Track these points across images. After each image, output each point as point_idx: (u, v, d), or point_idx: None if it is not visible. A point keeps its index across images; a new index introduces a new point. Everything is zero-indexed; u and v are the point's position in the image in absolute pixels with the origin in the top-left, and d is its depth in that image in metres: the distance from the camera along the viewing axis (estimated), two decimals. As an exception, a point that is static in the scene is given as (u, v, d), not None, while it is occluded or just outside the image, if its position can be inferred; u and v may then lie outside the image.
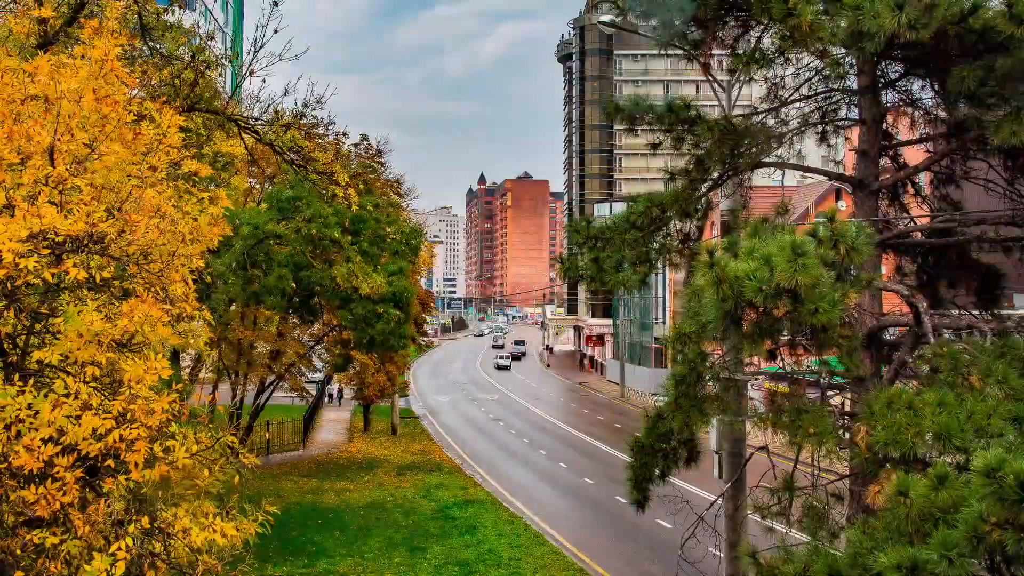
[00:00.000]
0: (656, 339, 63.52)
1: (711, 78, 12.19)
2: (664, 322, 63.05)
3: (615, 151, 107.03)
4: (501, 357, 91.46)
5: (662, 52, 11.97)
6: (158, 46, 13.92)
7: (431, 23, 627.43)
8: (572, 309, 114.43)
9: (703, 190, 11.23)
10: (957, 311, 10.60)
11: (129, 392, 6.88)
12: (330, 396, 55.45)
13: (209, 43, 15.25)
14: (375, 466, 36.89)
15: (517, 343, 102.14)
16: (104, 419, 6.60)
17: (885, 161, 11.17)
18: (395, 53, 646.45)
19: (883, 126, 10.52)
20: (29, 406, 6.46)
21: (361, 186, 17.22)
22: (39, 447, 6.42)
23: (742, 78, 11.64)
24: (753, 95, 14.68)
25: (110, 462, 6.77)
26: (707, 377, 9.24)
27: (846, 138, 11.86)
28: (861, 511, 8.24)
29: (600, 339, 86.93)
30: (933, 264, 11.19)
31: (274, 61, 12.30)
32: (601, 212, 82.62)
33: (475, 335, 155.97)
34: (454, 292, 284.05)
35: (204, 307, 8.93)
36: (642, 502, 10.96)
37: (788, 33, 9.34)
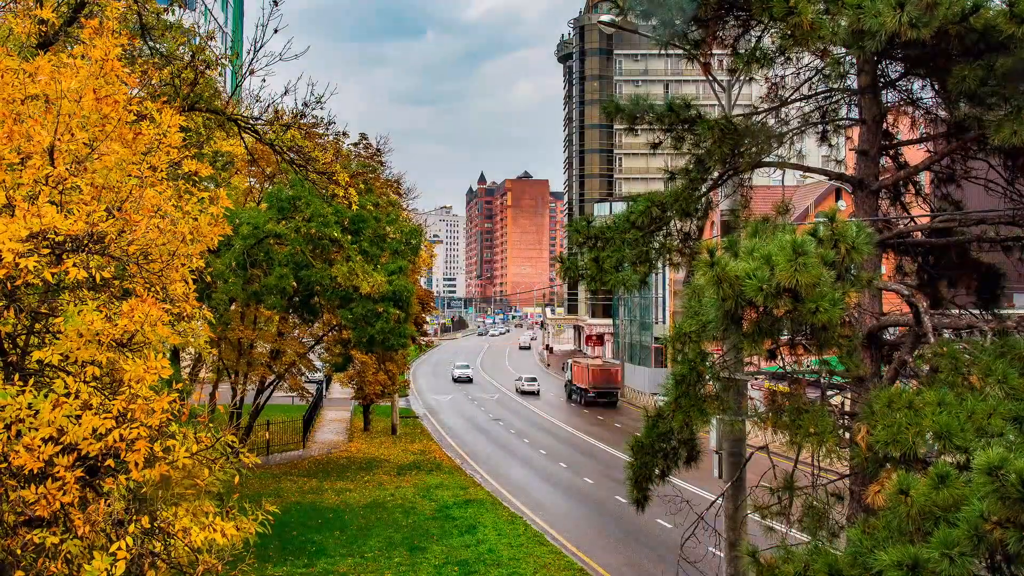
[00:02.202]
0: (656, 339, 63.54)
1: (711, 78, 12.19)
2: (664, 322, 63.07)
3: (615, 151, 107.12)
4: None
5: (662, 52, 12.00)
6: (158, 46, 13.91)
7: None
8: (572, 309, 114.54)
9: (703, 190, 11.22)
10: (957, 311, 10.60)
11: (129, 392, 6.87)
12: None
13: (209, 43, 15.24)
14: (375, 466, 36.89)
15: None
16: (104, 419, 6.60)
17: (886, 161, 11.17)
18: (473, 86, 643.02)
19: (883, 126, 10.52)
20: (29, 406, 6.46)
21: (361, 186, 17.19)
22: (39, 447, 6.42)
23: (742, 78, 11.64)
24: (753, 95, 14.69)
25: (110, 462, 6.77)
26: (707, 377, 9.22)
27: (847, 138, 11.86)
28: (861, 511, 8.24)
29: (600, 339, 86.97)
30: (933, 264, 11.18)
31: (274, 61, 12.33)
32: (601, 212, 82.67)
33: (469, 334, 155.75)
34: (454, 292, 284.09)
35: (204, 306, 8.94)
36: (642, 501, 10.95)
37: (789, 32, 9.33)
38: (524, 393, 65.33)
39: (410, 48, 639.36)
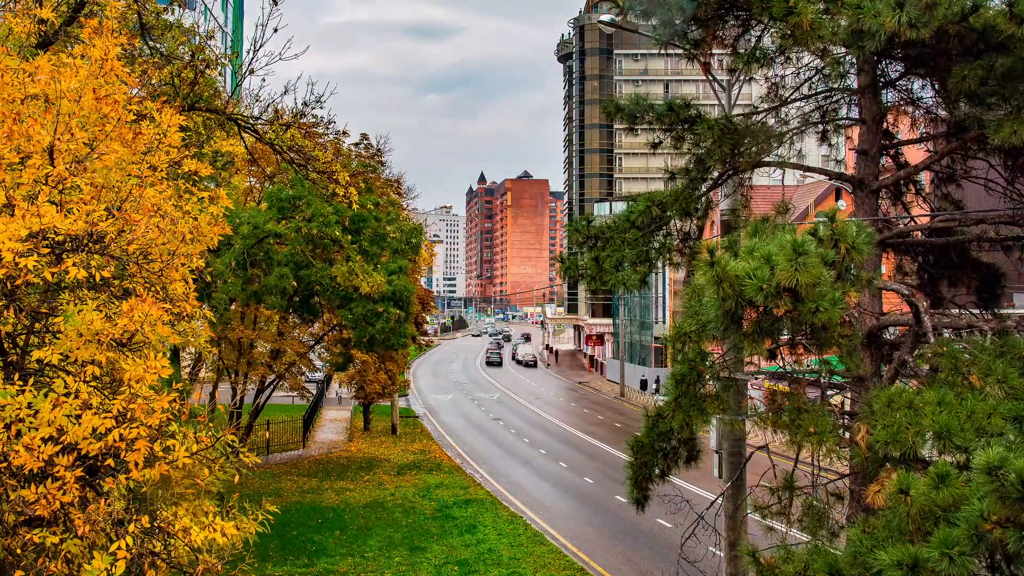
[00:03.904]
0: (656, 339, 63.53)
1: (711, 77, 12.19)
2: (664, 321, 63.06)
3: (615, 150, 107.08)
4: None
5: (662, 51, 12.00)
6: (158, 45, 13.92)
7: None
8: (572, 308, 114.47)
9: (703, 189, 11.22)
10: (957, 310, 10.60)
11: (129, 391, 6.88)
12: (340, 397, 56.37)
13: (209, 42, 15.24)
14: (375, 465, 36.90)
15: None
16: (104, 418, 6.60)
17: (886, 160, 11.16)
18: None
19: (883, 125, 10.52)
20: (29, 405, 6.47)
21: (362, 185, 17.20)
22: (39, 446, 6.42)
23: (742, 77, 11.64)
24: (753, 94, 14.69)
25: (110, 461, 6.77)
26: (707, 376, 9.22)
27: (847, 137, 11.86)
28: (861, 510, 8.24)
29: (600, 338, 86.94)
30: (933, 263, 11.19)
31: (273, 60, 12.32)
32: (601, 211, 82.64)
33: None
34: (454, 292, 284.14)
35: (204, 306, 8.93)
36: (642, 501, 10.94)
37: (789, 32, 9.33)
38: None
39: (524, 98, 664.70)
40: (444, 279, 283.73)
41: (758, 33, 10.95)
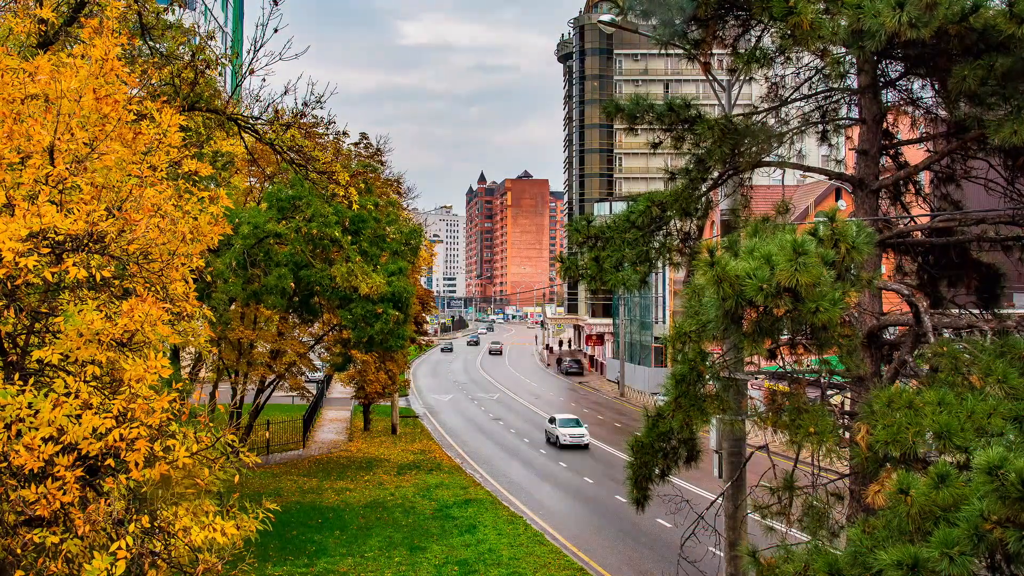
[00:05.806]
0: (656, 338, 63.54)
1: (711, 77, 12.20)
2: (664, 321, 63.08)
3: (615, 150, 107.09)
4: None
5: (662, 52, 11.99)
6: (158, 45, 13.92)
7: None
8: (572, 308, 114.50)
9: (703, 189, 11.23)
10: (957, 310, 10.62)
11: (129, 391, 6.88)
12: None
13: (209, 42, 15.24)
14: (375, 465, 36.90)
15: None
16: (104, 418, 6.60)
17: (886, 160, 11.17)
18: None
19: (883, 125, 10.52)
20: (29, 405, 6.47)
21: (362, 185, 17.19)
22: (39, 446, 6.42)
23: (742, 77, 11.64)
24: (753, 94, 14.70)
25: (110, 461, 6.77)
26: (707, 376, 9.21)
27: (847, 137, 11.87)
28: (861, 510, 8.24)
29: (600, 338, 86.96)
30: (933, 263, 11.19)
31: (274, 60, 12.32)
32: (601, 211, 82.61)
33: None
34: (454, 292, 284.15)
35: (204, 306, 8.93)
36: (642, 501, 10.95)
37: (789, 32, 9.34)
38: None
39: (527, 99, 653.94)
40: (444, 279, 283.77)
41: (758, 33, 10.96)
